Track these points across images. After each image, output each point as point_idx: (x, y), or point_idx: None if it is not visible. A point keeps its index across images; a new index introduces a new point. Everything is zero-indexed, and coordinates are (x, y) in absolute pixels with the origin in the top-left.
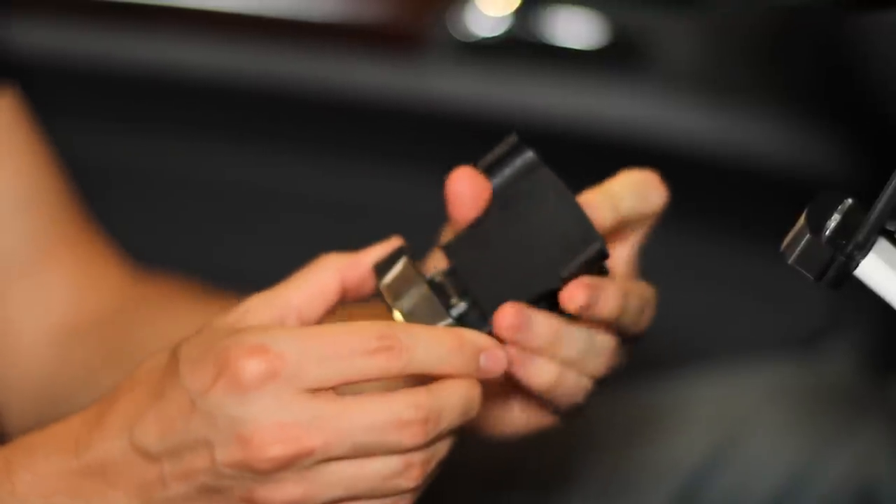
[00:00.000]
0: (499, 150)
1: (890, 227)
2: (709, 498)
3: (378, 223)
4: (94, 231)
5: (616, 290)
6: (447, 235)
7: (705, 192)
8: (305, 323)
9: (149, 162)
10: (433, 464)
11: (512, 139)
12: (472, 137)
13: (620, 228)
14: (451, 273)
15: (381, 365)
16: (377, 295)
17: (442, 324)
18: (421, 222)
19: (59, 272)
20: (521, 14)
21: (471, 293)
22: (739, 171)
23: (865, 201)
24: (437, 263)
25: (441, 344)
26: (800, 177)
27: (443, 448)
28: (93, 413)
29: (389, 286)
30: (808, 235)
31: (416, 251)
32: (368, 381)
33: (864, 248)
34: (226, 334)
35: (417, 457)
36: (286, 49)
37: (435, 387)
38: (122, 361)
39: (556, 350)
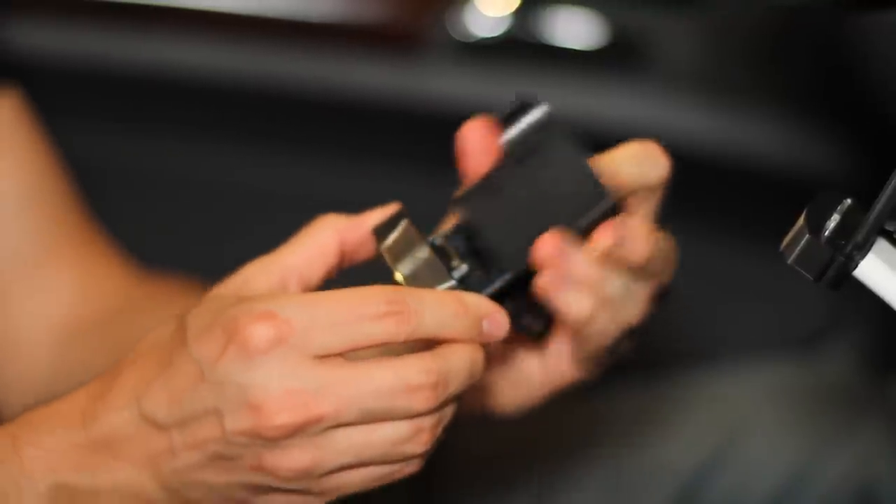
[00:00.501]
0: (513, 104)
1: (889, 228)
2: (709, 498)
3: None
4: (96, 230)
5: (645, 231)
6: (459, 191)
7: (705, 192)
8: (307, 286)
9: (148, 162)
10: (440, 428)
11: (526, 95)
12: None
13: (624, 198)
14: (452, 235)
15: (389, 330)
16: (378, 257)
17: (444, 286)
18: (420, 222)
19: (61, 271)
20: (521, 14)
21: (479, 248)
22: (739, 171)
23: (865, 201)
24: (440, 228)
25: (446, 308)
26: (799, 177)
27: (449, 412)
28: (97, 386)
29: (390, 248)
30: (807, 235)
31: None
32: (376, 346)
33: (864, 249)
34: (232, 303)
35: (427, 421)
36: (286, 49)
37: (442, 351)
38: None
39: (593, 285)
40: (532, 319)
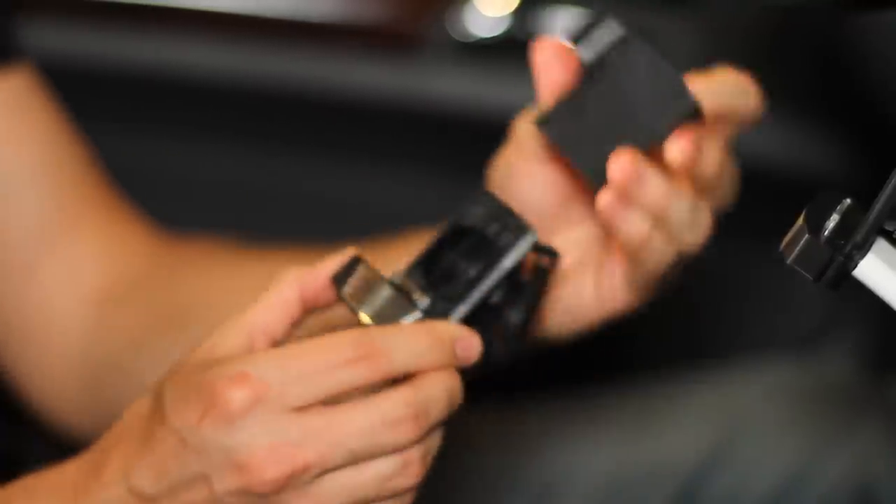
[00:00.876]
0: (586, 21)
1: (889, 228)
2: (708, 497)
3: (377, 223)
4: (116, 196)
5: (718, 144)
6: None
7: None
8: (274, 340)
9: (148, 162)
10: (429, 458)
11: (598, 13)
12: (471, 137)
13: (713, 119)
14: (410, 270)
15: (362, 373)
16: (342, 302)
17: (410, 319)
18: (420, 222)
19: (86, 239)
20: (520, 14)
21: (438, 277)
22: (738, 171)
23: (864, 201)
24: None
25: (417, 341)
26: (799, 177)
27: (435, 440)
28: (88, 461)
29: (351, 294)
30: (806, 235)
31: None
32: (354, 390)
33: (863, 249)
34: (204, 368)
35: (414, 453)
36: (285, 49)
37: (418, 381)
38: (171, 324)
39: (656, 205)
40: (500, 345)
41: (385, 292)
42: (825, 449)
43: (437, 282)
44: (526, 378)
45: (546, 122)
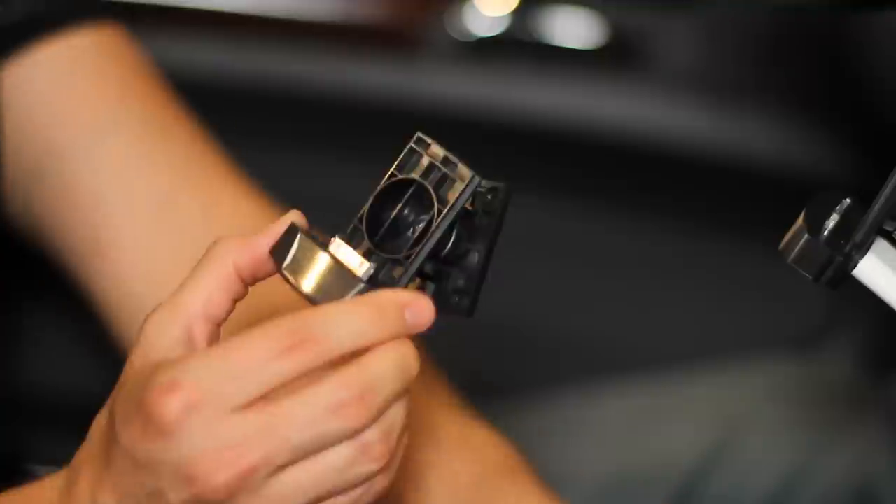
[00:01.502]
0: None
1: (888, 227)
2: (708, 496)
3: None
4: (222, 156)
5: None
6: None
7: (704, 192)
8: (215, 322)
9: None
10: (394, 436)
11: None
12: (471, 137)
13: None
14: (352, 234)
15: (299, 362)
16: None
17: (353, 292)
18: None
19: (191, 204)
20: (520, 14)
21: (385, 237)
22: (738, 171)
23: (864, 201)
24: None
25: (358, 316)
26: (798, 176)
27: (396, 416)
28: (63, 478)
29: (291, 267)
30: (806, 235)
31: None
32: (295, 380)
33: (863, 248)
34: (142, 377)
35: (370, 435)
36: (284, 48)
37: (362, 359)
38: None
39: None
40: (460, 291)
41: (325, 264)
42: (825, 448)
43: (382, 242)
44: (526, 378)
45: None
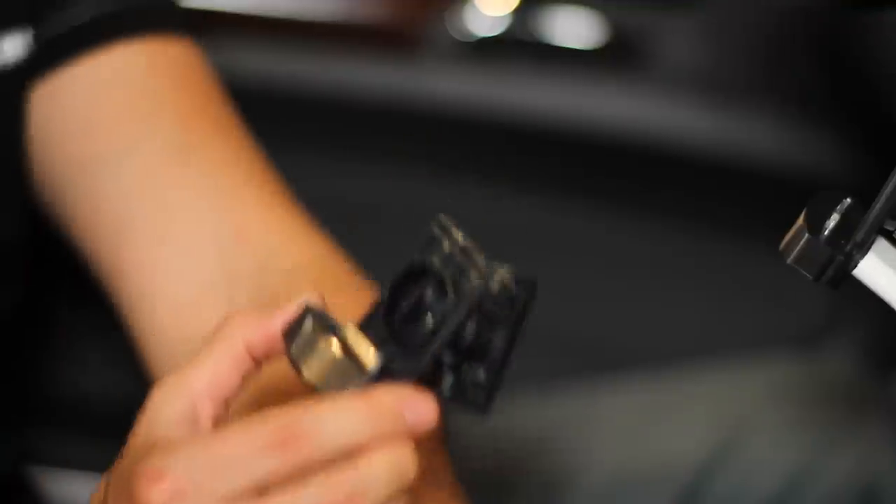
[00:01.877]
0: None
1: (889, 227)
2: (711, 496)
3: (377, 222)
4: (269, 170)
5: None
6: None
7: (705, 192)
8: (221, 401)
9: None
10: None
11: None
12: (472, 137)
13: None
14: (367, 322)
15: (287, 459)
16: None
17: (358, 383)
18: (421, 221)
19: (199, 221)
20: (521, 13)
21: (402, 327)
22: (739, 171)
23: (865, 201)
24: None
25: (352, 414)
26: (799, 176)
27: None
28: None
29: (298, 351)
30: (807, 235)
31: (411, 248)
32: (282, 479)
33: (863, 248)
34: (138, 458)
35: None
36: (284, 48)
37: (355, 459)
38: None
39: None
40: (478, 385)
41: (332, 352)
42: (828, 448)
43: (399, 330)
44: (528, 377)
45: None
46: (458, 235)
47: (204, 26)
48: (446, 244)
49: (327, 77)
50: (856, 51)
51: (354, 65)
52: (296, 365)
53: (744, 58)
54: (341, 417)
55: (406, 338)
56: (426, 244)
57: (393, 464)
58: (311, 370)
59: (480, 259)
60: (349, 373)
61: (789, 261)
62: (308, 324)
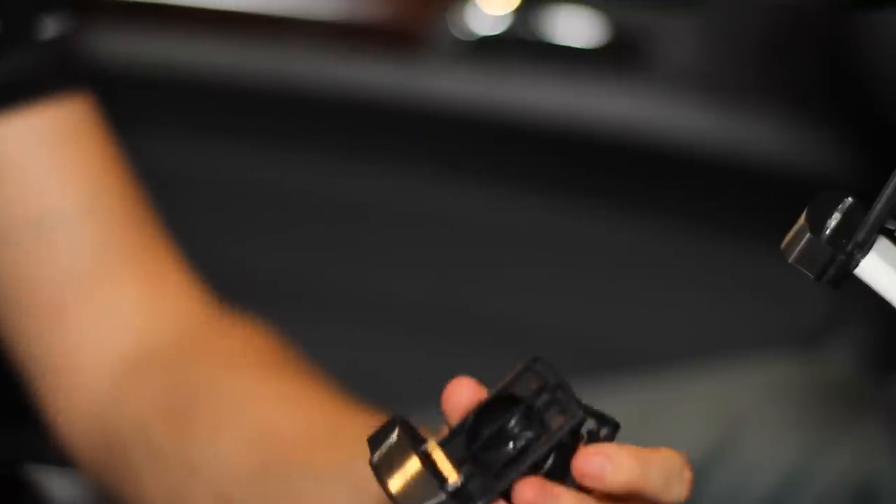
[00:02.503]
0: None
1: (890, 226)
2: (709, 495)
3: (379, 222)
4: (166, 246)
5: (630, 456)
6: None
7: (706, 192)
8: None
9: (147, 162)
10: None
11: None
12: (473, 136)
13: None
14: (449, 441)
15: None
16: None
17: (435, 500)
18: (422, 221)
19: (126, 291)
20: (522, 13)
21: (481, 449)
22: (740, 170)
23: (866, 200)
24: (437, 432)
25: None
26: (800, 175)
27: None
28: None
29: (380, 462)
30: (808, 234)
31: (413, 248)
32: None
33: (865, 247)
34: None
35: None
36: (285, 47)
37: None
38: (175, 422)
39: None
40: None
41: (413, 467)
42: (826, 447)
43: (477, 454)
44: None
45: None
46: (554, 373)
47: (204, 26)
48: (537, 379)
49: (328, 77)
50: (856, 51)
51: (355, 64)
52: (377, 474)
53: (744, 57)
54: None
55: (487, 460)
56: (518, 374)
57: None
58: (393, 482)
59: (572, 400)
60: (427, 489)
61: (790, 260)
62: (395, 433)
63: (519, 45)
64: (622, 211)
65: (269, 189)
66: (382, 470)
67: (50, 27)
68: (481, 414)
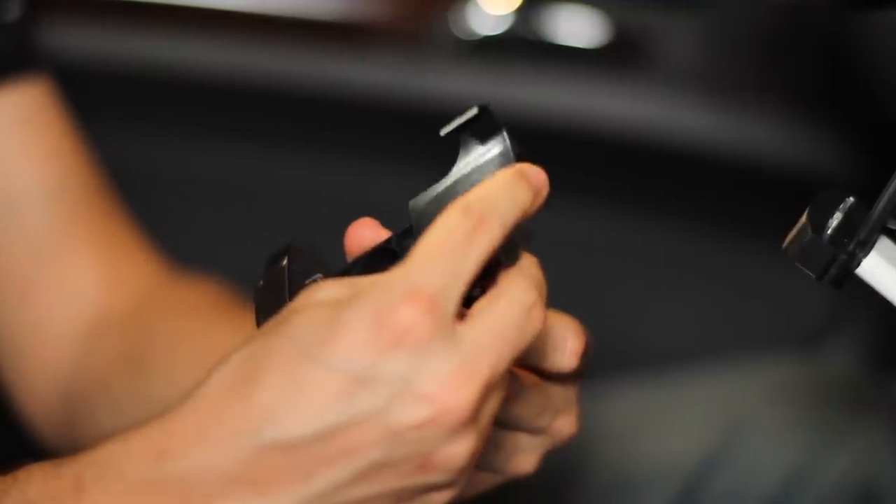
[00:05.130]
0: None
1: (892, 226)
2: (709, 496)
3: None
4: (124, 220)
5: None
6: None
7: (707, 191)
8: None
9: (147, 162)
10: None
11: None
12: None
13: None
14: (339, 276)
15: (487, 240)
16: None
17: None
18: None
19: (86, 264)
20: (524, 12)
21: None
22: (741, 170)
23: (867, 200)
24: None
25: (506, 185)
26: (801, 175)
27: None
28: (173, 420)
29: (259, 289)
30: (809, 234)
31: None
32: (484, 265)
33: (866, 247)
34: (346, 305)
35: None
36: (288, 47)
37: (522, 259)
38: (132, 367)
39: None
40: None
41: (281, 298)
42: (827, 447)
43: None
44: None
45: (415, 206)
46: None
47: (205, 26)
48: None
49: (330, 76)
50: (856, 51)
51: (356, 64)
52: (254, 296)
53: (745, 57)
54: (495, 188)
55: None
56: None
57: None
58: (262, 306)
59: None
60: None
61: (792, 259)
62: (283, 261)
63: (520, 45)
64: (622, 211)
65: (268, 189)
66: (259, 293)
67: (9, 11)
68: (377, 254)
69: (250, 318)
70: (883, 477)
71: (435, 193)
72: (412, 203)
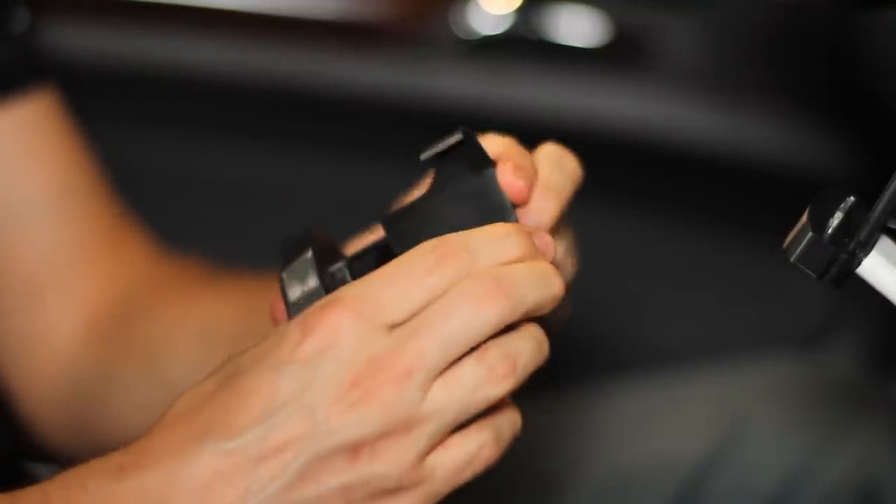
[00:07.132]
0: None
1: (892, 225)
2: (709, 496)
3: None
4: (128, 223)
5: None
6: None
7: (708, 191)
8: None
9: (146, 161)
10: (518, 362)
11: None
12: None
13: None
14: (357, 258)
15: (449, 273)
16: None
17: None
18: None
19: (94, 270)
20: (524, 12)
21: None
22: (742, 170)
23: (868, 199)
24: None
25: (493, 235)
26: (802, 175)
27: (525, 346)
28: (136, 444)
29: (287, 275)
30: (810, 233)
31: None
32: (446, 292)
33: (867, 246)
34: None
35: (494, 354)
36: (288, 47)
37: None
38: (137, 360)
39: None
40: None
41: (312, 284)
42: (828, 447)
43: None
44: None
45: (388, 220)
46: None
47: (205, 25)
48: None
49: (331, 76)
50: (856, 51)
51: (357, 64)
52: (281, 283)
53: (746, 57)
54: (485, 237)
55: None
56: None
57: (538, 270)
58: (292, 291)
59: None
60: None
61: (793, 259)
62: (307, 252)
63: (521, 45)
64: (623, 210)
65: (269, 188)
66: (287, 280)
67: (16, 23)
68: (384, 244)
69: (236, 285)
70: (883, 477)
71: (410, 209)
72: (383, 217)
